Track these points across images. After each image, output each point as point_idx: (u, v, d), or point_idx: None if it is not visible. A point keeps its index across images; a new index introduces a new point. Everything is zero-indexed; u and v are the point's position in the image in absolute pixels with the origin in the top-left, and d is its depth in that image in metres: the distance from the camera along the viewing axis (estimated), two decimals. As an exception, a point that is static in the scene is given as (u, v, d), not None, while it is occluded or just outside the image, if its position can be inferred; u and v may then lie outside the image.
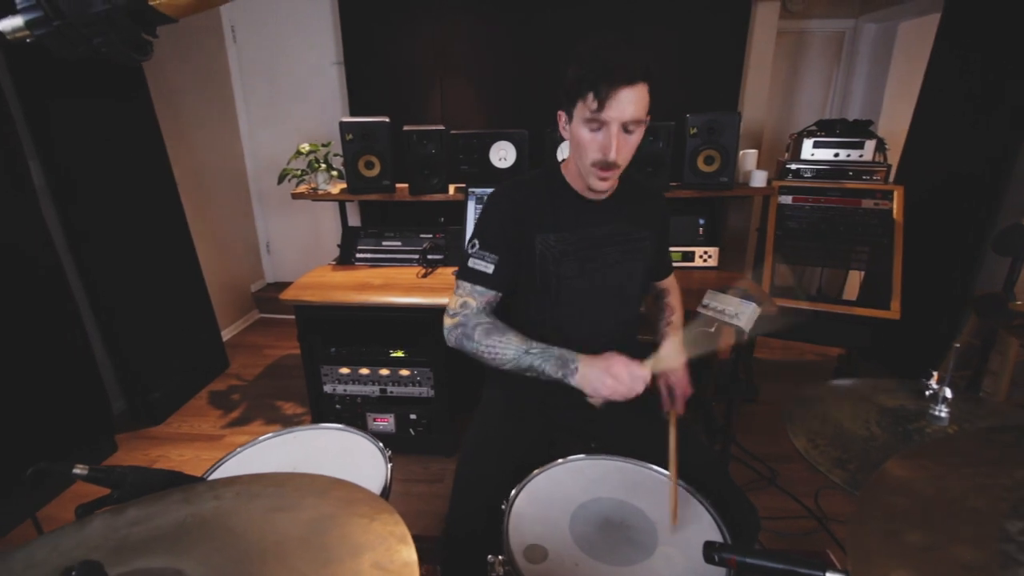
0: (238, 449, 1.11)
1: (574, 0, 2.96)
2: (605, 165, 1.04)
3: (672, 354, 1.20)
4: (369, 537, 0.56)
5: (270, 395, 2.85)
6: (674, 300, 1.37)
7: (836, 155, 2.64)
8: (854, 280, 3.03)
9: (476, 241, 1.13)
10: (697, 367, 1.20)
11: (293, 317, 2.16)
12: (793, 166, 2.69)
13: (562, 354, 1.02)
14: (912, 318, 2.45)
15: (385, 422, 2.23)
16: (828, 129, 2.65)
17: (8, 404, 1.88)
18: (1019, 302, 1.65)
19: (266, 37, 3.46)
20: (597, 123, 1.00)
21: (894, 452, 0.53)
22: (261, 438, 1.14)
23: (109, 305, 2.40)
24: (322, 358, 2.19)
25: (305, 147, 2.53)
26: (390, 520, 0.59)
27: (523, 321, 1.19)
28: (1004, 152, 2.36)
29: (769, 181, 2.66)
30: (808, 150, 2.66)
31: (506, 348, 1.04)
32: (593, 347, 1.20)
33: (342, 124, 2.39)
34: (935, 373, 0.79)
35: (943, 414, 0.81)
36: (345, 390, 2.21)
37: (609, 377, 0.95)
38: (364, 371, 2.18)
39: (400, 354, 2.16)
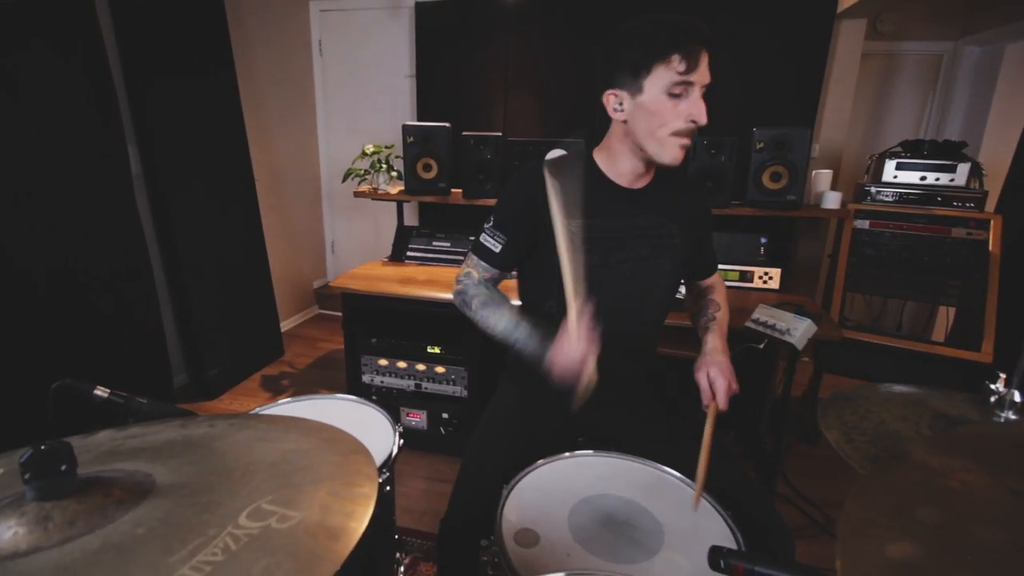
0: (256, 409, 1.14)
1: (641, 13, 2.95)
2: (689, 132, 1.00)
3: (718, 346, 1.12)
4: (336, 471, 0.54)
5: (316, 383, 2.95)
6: (719, 297, 1.27)
7: (923, 178, 2.41)
8: (941, 317, 2.72)
9: (493, 218, 1.15)
10: (749, 394, 1.09)
11: None
12: (872, 189, 2.47)
13: (539, 349, 1.02)
14: (1006, 364, 2.15)
15: (417, 418, 2.23)
16: (914, 150, 2.43)
17: (80, 363, 2.07)
18: None
19: (349, 51, 3.71)
20: (684, 86, 0.96)
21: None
22: (281, 401, 1.17)
23: (184, 284, 2.60)
24: (363, 348, 2.24)
25: (369, 148, 2.65)
26: (363, 461, 0.57)
27: (539, 311, 1.16)
28: None
29: (844, 204, 2.47)
30: (890, 172, 2.45)
31: (497, 321, 1.08)
32: (606, 347, 1.15)
33: (405, 127, 2.49)
34: (1002, 375, 0.66)
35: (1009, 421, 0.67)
36: (382, 381, 2.25)
37: (557, 352, 0.94)
38: (401, 364, 2.21)
39: (437, 350, 2.17)
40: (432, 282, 2.17)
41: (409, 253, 2.54)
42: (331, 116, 3.88)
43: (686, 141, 1.01)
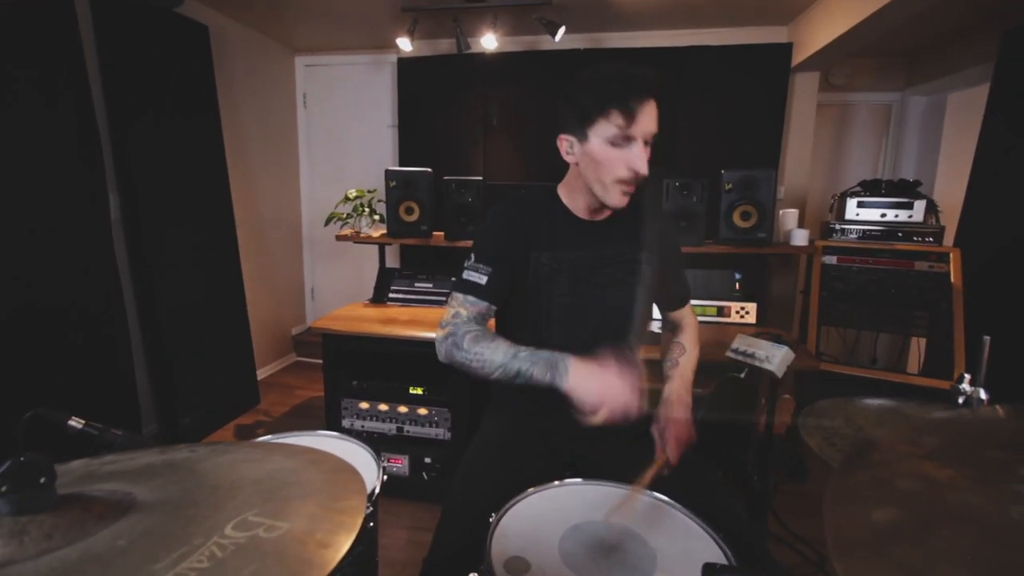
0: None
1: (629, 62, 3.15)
2: (631, 181, 1.03)
3: (674, 397, 1.13)
4: (323, 486, 0.53)
5: (293, 431, 2.84)
6: (687, 339, 1.28)
7: (883, 215, 2.54)
8: (913, 348, 2.80)
9: (472, 255, 1.12)
10: (738, 435, 1.08)
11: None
12: (837, 226, 2.60)
13: (551, 356, 0.97)
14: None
15: (399, 463, 2.16)
16: (873, 189, 2.58)
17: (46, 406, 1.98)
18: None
19: (333, 103, 3.83)
20: (624, 139, 1.00)
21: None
22: (260, 439, 1.14)
23: (159, 330, 2.54)
24: (344, 390, 2.19)
25: (352, 192, 2.70)
26: (350, 478, 0.56)
27: (520, 342, 1.15)
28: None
29: (812, 241, 2.58)
30: (852, 210, 2.58)
31: (494, 353, 1.00)
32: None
33: (388, 172, 2.56)
34: (967, 375, 0.69)
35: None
36: (363, 426, 2.19)
37: (600, 382, 0.90)
38: (383, 407, 2.16)
39: (419, 391, 2.14)
40: (415, 322, 2.16)
41: (391, 295, 2.55)
42: (314, 165, 3.96)
43: (628, 188, 1.05)
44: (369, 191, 2.72)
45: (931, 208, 2.51)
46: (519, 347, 1.01)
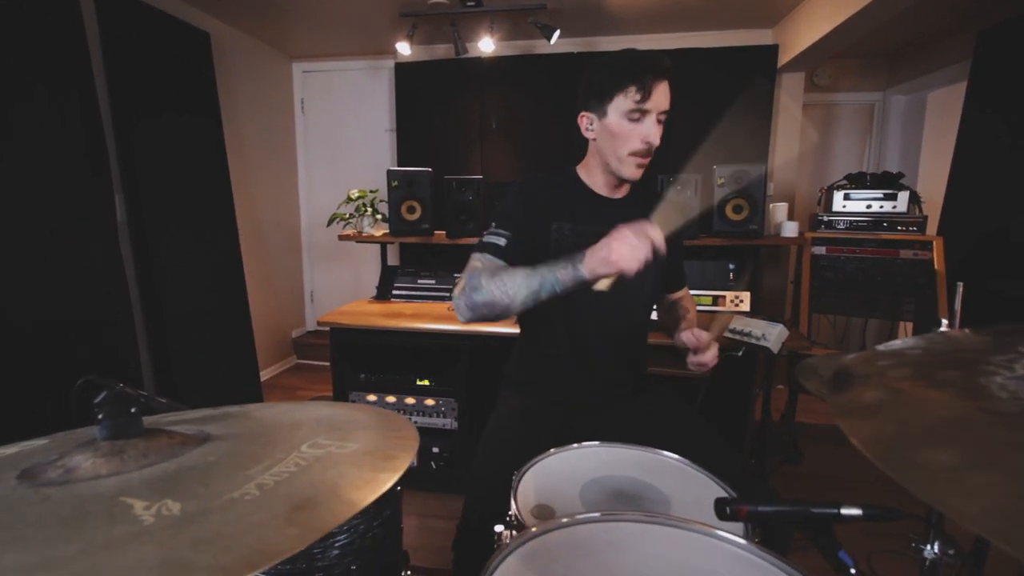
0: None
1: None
2: (646, 153, 1.12)
3: (692, 327, 1.19)
4: (377, 422, 0.59)
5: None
6: (687, 303, 1.38)
7: (869, 207, 2.64)
8: (901, 333, 2.90)
9: (493, 223, 1.18)
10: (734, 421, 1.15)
11: (328, 364, 2.24)
12: (825, 217, 2.70)
13: (568, 259, 1.00)
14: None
15: (408, 453, 2.20)
16: (858, 181, 2.68)
17: (56, 408, 2.00)
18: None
19: (330, 109, 3.90)
20: (639, 113, 1.09)
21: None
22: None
23: (164, 333, 2.57)
24: (352, 384, 2.23)
25: (355, 192, 2.76)
26: (399, 419, 0.61)
27: (536, 316, 1.21)
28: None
29: (801, 233, 2.67)
30: (840, 202, 2.68)
31: (514, 277, 1.02)
32: (603, 346, 1.23)
33: (390, 172, 2.61)
34: (944, 320, 0.76)
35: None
36: (371, 418, 2.23)
37: (616, 242, 0.94)
38: (390, 399, 2.21)
39: (426, 382, 2.19)
40: (420, 315, 2.22)
41: (395, 291, 2.60)
42: (312, 168, 4.01)
43: (642, 160, 1.14)
44: (371, 191, 2.77)
45: (914, 199, 2.62)
46: (534, 268, 1.02)
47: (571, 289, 1.00)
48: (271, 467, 0.45)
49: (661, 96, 1.09)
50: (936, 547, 0.67)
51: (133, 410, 0.50)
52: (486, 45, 2.93)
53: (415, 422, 2.20)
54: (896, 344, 0.55)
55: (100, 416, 0.49)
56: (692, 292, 2.51)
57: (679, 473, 0.93)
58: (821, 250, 2.64)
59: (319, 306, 4.20)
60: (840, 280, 2.60)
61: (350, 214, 2.79)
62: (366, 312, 2.28)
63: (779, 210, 2.76)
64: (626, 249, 0.93)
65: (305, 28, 3.27)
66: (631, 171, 1.15)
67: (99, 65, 2.30)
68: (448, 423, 2.18)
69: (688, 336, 1.14)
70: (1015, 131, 2.53)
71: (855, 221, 2.65)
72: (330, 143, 3.95)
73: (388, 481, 0.42)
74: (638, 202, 1.25)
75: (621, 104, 1.10)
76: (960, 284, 0.78)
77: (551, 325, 1.25)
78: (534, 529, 0.64)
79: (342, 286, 4.12)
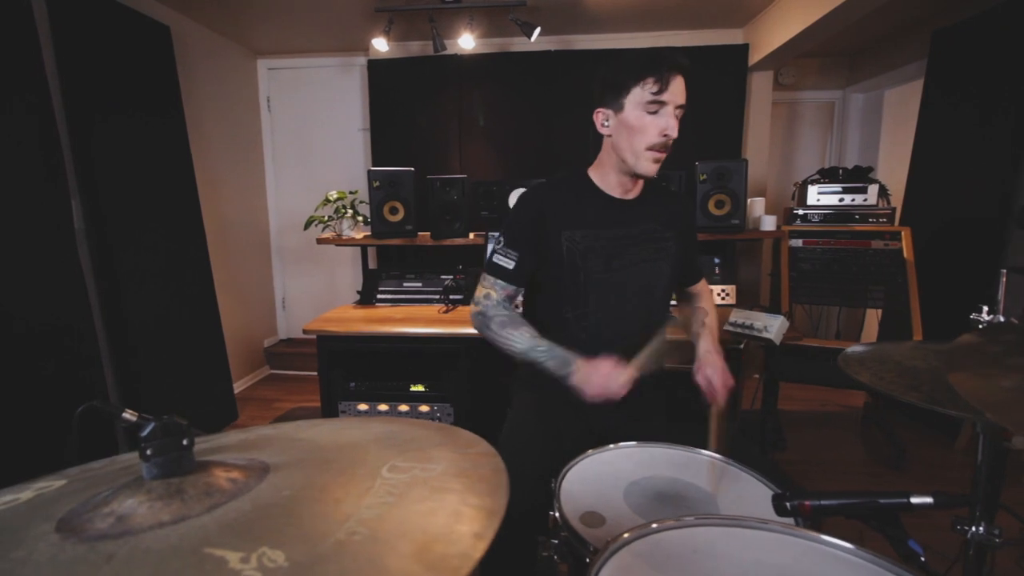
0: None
1: (596, 63, 3.25)
2: (663, 147, 1.12)
3: (711, 350, 1.21)
4: (446, 439, 0.54)
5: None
6: (706, 303, 1.38)
7: (841, 200, 2.74)
8: (872, 320, 3.03)
9: (502, 238, 1.21)
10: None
11: (304, 373, 2.15)
12: (800, 211, 2.79)
13: (565, 356, 1.11)
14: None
15: (402, 462, 2.14)
16: (831, 176, 2.78)
17: (16, 428, 1.84)
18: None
19: (298, 107, 3.75)
20: (657, 105, 1.09)
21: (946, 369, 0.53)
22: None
23: (129, 345, 2.41)
24: (342, 394, 2.15)
25: (333, 194, 2.65)
26: (462, 433, 0.57)
27: (554, 319, 1.22)
28: (1003, 196, 2.47)
29: (778, 226, 2.74)
30: (814, 196, 2.77)
31: (518, 341, 1.13)
32: (619, 347, 1.20)
33: (370, 172, 2.53)
34: (984, 307, 0.78)
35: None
36: (362, 428, 2.15)
37: (595, 376, 1.04)
38: (383, 407, 2.14)
39: (420, 388, 2.13)
40: (411, 319, 2.15)
41: (379, 296, 2.51)
42: (280, 170, 3.85)
43: (659, 155, 1.14)
44: (351, 192, 2.68)
45: (882, 192, 2.73)
46: (540, 339, 1.14)
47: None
48: (361, 498, 0.40)
49: (678, 90, 1.09)
50: (982, 528, 0.68)
51: (185, 442, 0.44)
52: (466, 42, 2.88)
53: (410, 429, 2.14)
54: (965, 338, 0.55)
55: (149, 452, 0.43)
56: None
57: (717, 470, 0.92)
58: (798, 243, 2.72)
59: (292, 313, 4.04)
60: (816, 271, 2.68)
61: (329, 216, 2.69)
62: (353, 318, 2.20)
63: (757, 204, 2.83)
64: (599, 386, 1.04)
65: (271, 23, 3.13)
66: (647, 167, 1.15)
67: (51, 61, 2.12)
68: (443, 429, 2.12)
69: (702, 381, 1.17)
70: (970, 126, 2.68)
71: (828, 214, 2.74)
72: (299, 143, 3.80)
73: (498, 506, 0.39)
74: (650, 203, 1.26)
75: (639, 96, 1.10)
76: (1004, 271, 0.80)
77: (565, 326, 1.23)
78: (627, 536, 0.60)
79: (316, 292, 3.97)
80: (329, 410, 2.15)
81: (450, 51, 3.07)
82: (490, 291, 1.20)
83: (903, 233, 2.55)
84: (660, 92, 1.08)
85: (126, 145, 2.42)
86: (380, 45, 2.87)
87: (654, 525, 0.61)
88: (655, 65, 1.08)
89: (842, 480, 2.32)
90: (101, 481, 0.49)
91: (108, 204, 2.33)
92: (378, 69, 3.38)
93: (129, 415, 0.76)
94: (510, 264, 1.18)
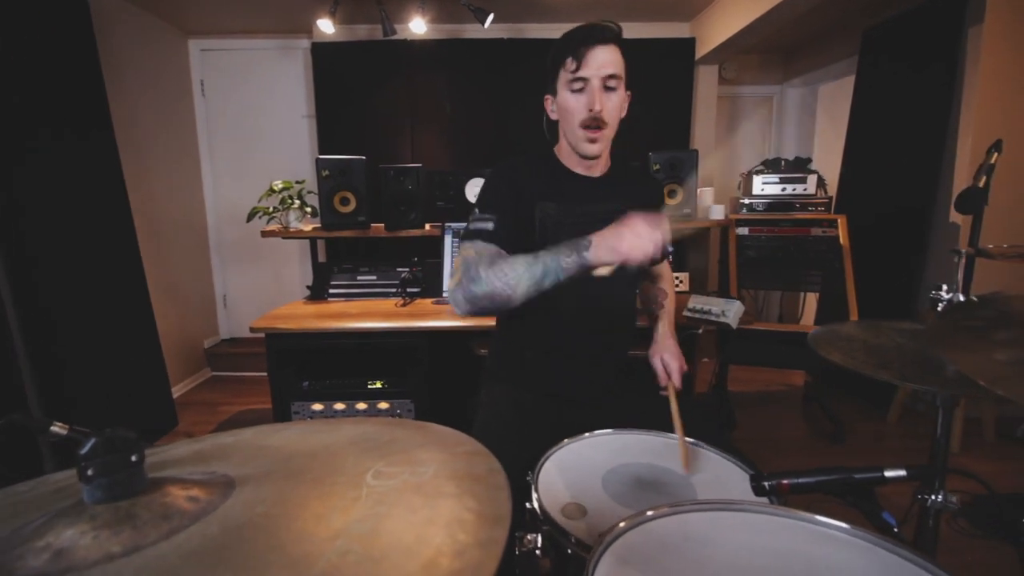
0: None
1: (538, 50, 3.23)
2: (593, 122, 1.09)
3: (667, 333, 1.23)
4: (429, 439, 0.51)
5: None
6: (667, 285, 1.39)
7: (784, 189, 2.88)
8: (810, 304, 3.21)
9: (476, 210, 1.13)
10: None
11: (250, 374, 2.03)
12: (746, 201, 2.90)
13: (572, 241, 0.96)
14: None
15: (362, 462, 2.06)
16: (774, 166, 2.90)
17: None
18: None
19: (236, 92, 3.51)
20: (579, 82, 1.08)
21: (936, 347, 0.55)
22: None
23: (53, 355, 2.18)
24: (294, 394, 2.04)
25: (278, 184, 2.51)
26: (448, 432, 0.54)
27: (526, 301, 1.18)
28: (928, 185, 2.66)
29: (726, 215, 2.84)
30: (759, 186, 2.89)
31: (515, 266, 0.97)
32: (590, 324, 1.21)
33: (319, 160, 2.40)
34: (944, 285, 0.83)
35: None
36: (318, 429, 2.05)
37: (627, 231, 0.91)
38: (339, 406, 2.05)
39: (378, 385, 2.05)
40: (368, 313, 2.07)
41: (332, 291, 2.40)
42: (217, 159, 3.61)
43: (592, 134, 1.12)
44: (297, 182, 2.54)
45: (820, 182, 2.89)
46: (537, 255, 0.98)
47: (574, 277, 0.95)
48: (348, 511, 0.36)
49: (602, 61, 1.07)
50: (940, 497, 0.72)
51: (135, 458, 0.38)
52: (417, 26, 2.78)
53: (369, 428, 2.06)
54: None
55: (91, 472, 0.37)
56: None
57: (691, 454, 0.93)
58: (744, 231, 2.83)
59: (234, 312, 3.82)
60: (761, 258, 2.81)
61: (273, 208, 2.54)
62: (304, 314, 2.09)
63: (706, 194, 2.92)
64: (636, 240, 0.90)
65: (204, 1, 2.90)
66: (584, 146, 1.14)
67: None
68: (404, 426, 2.06)
69: (658, 365, 1.18)
70: (898, 119, 2.87)
71: (772, 203, 2.87)
72: (238, 130, 3.57)
73: (503, 511, 0.36)
74: (619, 182, 1.24)
75: (564, 78, 1.11)
76: (964, 251, 0.84)
77: (534, 315, 1.20)
78: (622, 524, 0.58)
79: (260, 288, 3.77)
80: (281, 411, 2.04)
81: (400, 36, 2.96)
82: (468, 254, 1.05)
83: (839, 221, 2.71)
84: (578, 69, 1.07)
85: (40, 135, 2.18)
86: (325, 27, 2.72)
87: (649, 513, 0.60)
88: (569, 44, 1.08)
89: (793, 456, 2.44)
90: (30, 507, 0.43)
91: (24, 199, 2.09)
92: (323, 53, 3.21)
93: (59, 428, 0.68)
94: (489, 225, 1.08)
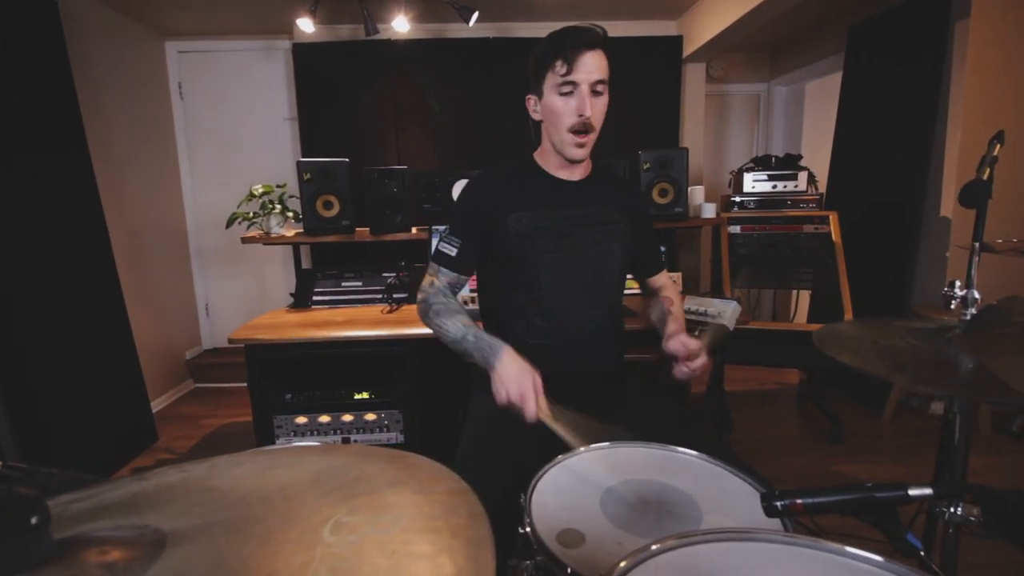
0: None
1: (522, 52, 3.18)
2: (582, 127, 1.09)
3: (680, 331, 1.19)
4: (401, 475, 0.44)
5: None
6: (672, 293, 1.36)
7: (774, 187, 2.84)
8: (803, 302, 3.18)
9: (448, 226, 1.20)
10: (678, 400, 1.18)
11: (234, 385, 1.95)
12: (737, 198, 2.86)
13: (492, 344, 1.03)
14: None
15: (349, 476, 1.98)
16: (764, 164, 2.87)
17: None
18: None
19: (215, 95, 3.42)
20: (569, 86, 1.07)
21: (948, 353, 0.49)
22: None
23: (25, 371, 2.08)
24: (276, 407, 1.96)
25: (258, 188, 2.43)
26: (415, 461, 0.47)
27: (511, 308, 1.19)
28: (918, 181, 2.64)
29: (717, 213, 2.80)
30: (749, 183, 2.86)
31: (451, 329, 1.09)
32: (578, 331, 1.19)
33: (300, 163, 2.33)
34: (957, 281, 0.78)
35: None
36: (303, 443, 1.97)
37: (514, 387, 0.96)
38: (324, 419, 1.97)
39: (365, 396, 1.98)
40: (353, 322, 1.99)
41: (316, 298, 2.33)
42: (196, 164, 3.51)
43: (580, 139, 1.12)
44: (279, 186, 2.46)
45: (811, 179, 2.86)
46: (473, 328, 1.08)
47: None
48: (303, 572, 0.29)
49: (587, 66, 1.07)
50: (959, 509, 0.67)
51: (35, 520, 0.31)
52: (400, 25, 2.71)
53: (355, 441, 1.99)
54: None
55: (-22, 540, 0.30)
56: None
57: (693, 469, 0.87)
58: (736, 229, 2.80)
59: (217, 321, 3.71)
60: (753, 256, 2.77)
61: (254, 213, 2.46)
62: (286, 324, 2.01)
63: (697, 193, 2.87)
64: (514, 396, 0.97)
65: (180, 1, 2.81)
66: (572, 151, 1.13)
67: None
68: (393, 437, 1.99)
69: (677, 345, 1.12)
70: (885, 115, 2.85)
71: (763, 201, 2.84)
72: (217, 134, 3.47)
73: (487, 569, 0.29)
74: (599, 186, 1.23)
75: (552, 80, 1.09)
76: (976, 244, 0.79)
77: (521, 313, 1.19)
78: (623, 564, 0.52)
79: (243, 296, 3.67)
80: (263, 425, 1.95)
81: (383, 35, 2.89)
82: (434, 279, 1.18)
83: (831, 217, 2.68)
84: (568, 73, 1.06)
85: (3, 145, 2.08)
86: (306, 26, 2.65)
87: (654, 547, 0.54)
88: (559, 46, 1.07)
89: (792, 456, 2.40)
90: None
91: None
92: (304, 53, 3.14)
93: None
94: (452, 251, 1.17)
